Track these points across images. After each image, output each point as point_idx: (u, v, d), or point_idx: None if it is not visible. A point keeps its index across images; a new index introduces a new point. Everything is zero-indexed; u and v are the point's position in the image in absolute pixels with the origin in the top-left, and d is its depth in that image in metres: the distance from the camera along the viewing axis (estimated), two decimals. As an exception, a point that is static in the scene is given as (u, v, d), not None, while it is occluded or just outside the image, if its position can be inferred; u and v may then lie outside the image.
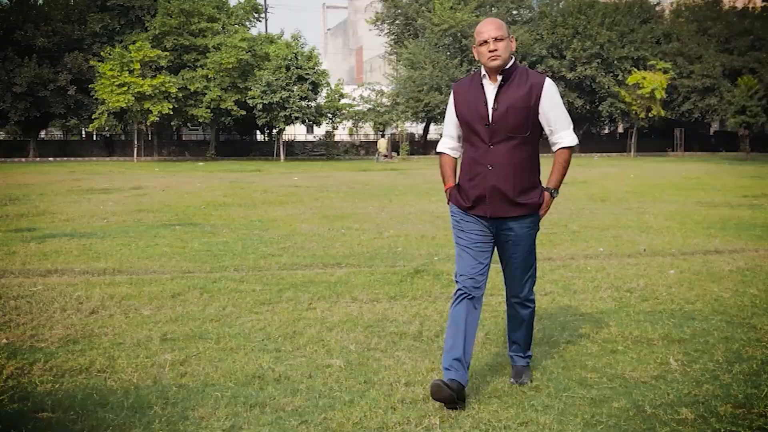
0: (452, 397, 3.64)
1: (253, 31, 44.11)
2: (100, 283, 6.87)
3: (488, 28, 3.89)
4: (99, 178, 25.16)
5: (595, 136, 54.48)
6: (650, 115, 44.08)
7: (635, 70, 44.13)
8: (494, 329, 5.26)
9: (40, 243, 9.50)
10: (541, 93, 3.89)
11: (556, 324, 5.36)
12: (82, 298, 6.21)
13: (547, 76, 4.00)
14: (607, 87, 45.16)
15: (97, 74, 38.13)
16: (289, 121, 39.79)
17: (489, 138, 3.90)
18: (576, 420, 3.60)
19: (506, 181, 3.90)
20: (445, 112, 4.26)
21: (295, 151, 48.43)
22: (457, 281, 4.00)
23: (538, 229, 4.09)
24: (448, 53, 46.49)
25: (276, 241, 9.78)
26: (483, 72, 3.95)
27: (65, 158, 43.97)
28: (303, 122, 40.93)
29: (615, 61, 45.08)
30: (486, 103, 3.91)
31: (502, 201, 3.92)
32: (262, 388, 4.04)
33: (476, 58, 3.97)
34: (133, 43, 38.97)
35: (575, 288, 6.62)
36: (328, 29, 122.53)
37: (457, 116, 4.07)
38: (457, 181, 4.12)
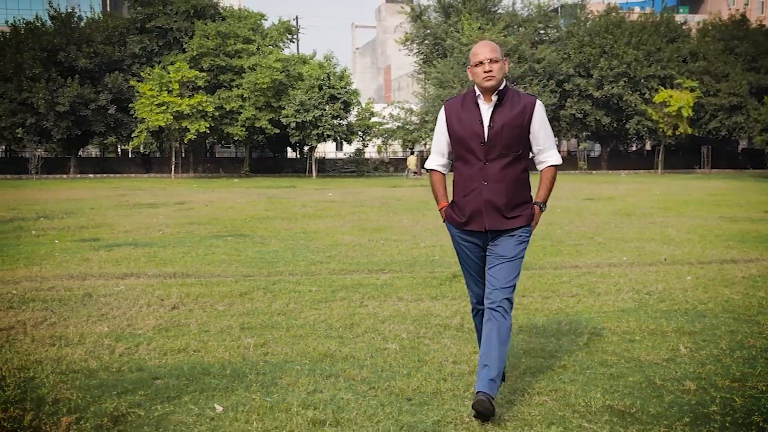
0: (486, 410, 3.79)
1: (286, 52, 45.35)
2: (174, 284, 7.73)
3: (484, 50, 4.06)
4: (142, 193, 26.24)
5: (622, 153, 54.91)
6: (677, 132, 44.53)
7: (662, 88, 44.64)
8: (526, 323, 6.01)
9: (108, 251, 10.41)
10: (533, 113, 4.13)
11: (581, 320, 6.09)
12: (162, 296, 7.07)
13: (536, 97, 4.43)
14: (634, 105, 45.69)
15: (136, 94, 39.50)
16: (322, 138, 40.85)
17: (484, 155, 4.09)
18: (596, 389, 4.35)
19: (500, 195, 4.09)
20: None
21: (326, 168, 49.45)
22: (469, 298, 4.45)
23: (528, 243, 4.22)
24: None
25: (321, 250, 10.60)
26: (477, 92, 4.12)
27: (104, 174, 45.39)
28: (335, 140, 41.95)
29: (642, 80, 45.62)
30: (481, 122, 4.09)
31: (497, 214, 4.10)
32: (333, 364, 4.85)
33: (470, 78, 4.14)
34: (171, 63, 40.34)
35: (599, 291, 7.34)
36: (357, 48, 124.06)
37: (449, 134, 4.23)
38: (450, 198, 4.30)
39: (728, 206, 18.67)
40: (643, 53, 45.46)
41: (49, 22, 42.65)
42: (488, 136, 4.08)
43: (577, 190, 26.90)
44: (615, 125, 48.08)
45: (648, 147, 56.71)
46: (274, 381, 4.49)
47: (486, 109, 4.11)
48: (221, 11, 43.55)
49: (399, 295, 7.16)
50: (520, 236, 4.16)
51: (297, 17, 57.31)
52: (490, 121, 4.09)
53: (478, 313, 4.40)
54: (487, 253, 4.21)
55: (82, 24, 42.79)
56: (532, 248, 10.39)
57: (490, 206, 4.09)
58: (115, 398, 4.15)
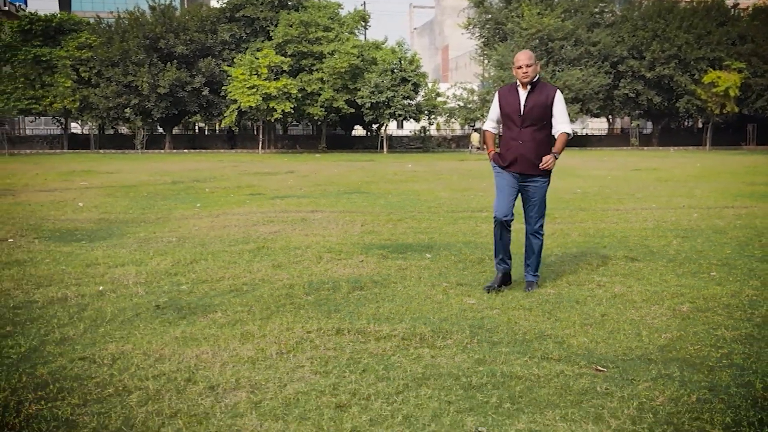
0: (499, 282, 6.33)
1: (360, 37, 49.41)
2: (350, 216, 11.93)
3: (523, 58, 6.03)
4: (249, 165, 30.70)
5: (673, 130, 57.79)
6: (724, 111, 47.46)
7: (711, 69, 47.52)
8: (584, 235, 10.03)
9: (282, 200, 14.71)
10: (554, 98, 6.08)
11: (617, 232, 10.06)
12: (350, 220, 11.26)
13: (558, 88, 7.00)
14: (683, 85, 48.66)
15: (228, 77, 44.08)
16: (393, 117, 44.96)
17: (520, 124, 6.08)
18: (621, 255, 8.33)
19: (530, 150, 6.06)
20: None
21: (393, 144, 53.55)
22: (494, 211, 6.24)
23: (549, 184, 6.21)
24: (535, 55, 50.63)
25: (429, 201, 14.65)
26: (518, 84, 6.12)
27: (194, 150, 50.36)
28: (405, 119, 45.98)
29: (692, 62, 48.53)
30: (520, 102, 6.07)
31: (527, 163, 6.08)
32: (476, 246, 8.93)
33: (514, 75, 6.13)
34: (258, 50, 44.81)
35: (631, 220, 11.29)
36: (415, 28, 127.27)
37: (500, 109, 6.21)
38: (497, 150, 6.30)
39: (755, 175, 22.18)
40: (693, 36, 48.32)
41: (148, 12, 47.44)
42: (523, 112, 6.07)
43: (627, 163, 30.51)
44: (666, 104, 51.08)
45: (699, 125, 59.38)
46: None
47: (523, 95, 6.09)
48: (302, 1, 47.80)
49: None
50: (543, 183, 6.18)
51: (365, 2, 61.26)
52: (525, 102, 6.07)
53: (498, 227, 6.26)
54: (522, 195, 6.24)
55: (177, 14, 47.43)
56: (590, 197, 14.43)
57: (523, 157, 6.10)
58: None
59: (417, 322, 5.32)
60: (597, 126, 67.43)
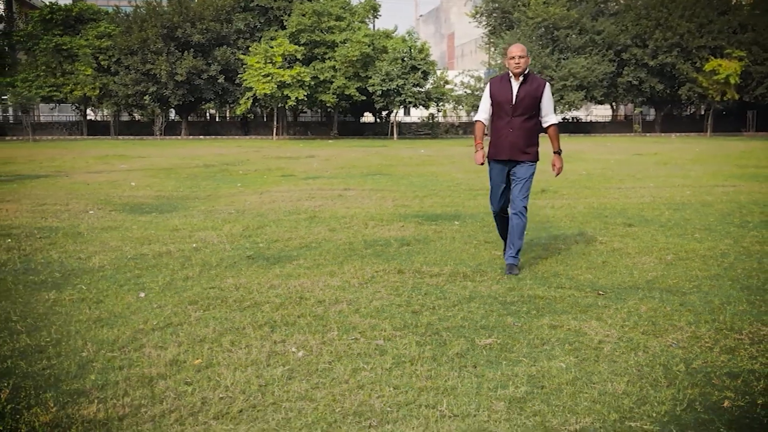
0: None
1: (370, 26, 50.78)
2: (380, 194, 13.44)
3: (516, 50, 6.30)
4: (270, 150, 32.19)
5: (676, 117, 59.09)
6: (725, 98, 48.82)
7: (712, 57, 48.82)
8: (587, 207, 11.53)
9: (314, 180, 16.21)
10: (543, 90, 6.34)
11: (617, 205, 11.56)
12: (381, 197, 12.77)
13: (546, 80, 6.62)
14: (685, 73, 49.95)
15: (243, 66, 45.52)
16: (403, 104, 46.40)
17: (511, 113, 6.32)
18: (619, 223, 9.83)
19: (519, 138, 6.32)
20: None
21: (402, 131, 54.98)
22: (491, 207, 6.78)
23: (535, 171, 6.48)
24: (541, 43, 52.04)
25: (447, 181, 16.12)
26: (510, 75, 6.36)
27: (209, 136, 51.85)
28: (415, 106, 47.41)
29: (694, 50, 49.81)
30: (511, 92, 6.31)
31: (516, 150, 6.34)
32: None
33: (506, 66, 6.38)
34: (272, 39, 46.22)
35: (630, 196, 12.78)
36: (420, 16, 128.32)
37: (491, 98, 6.42)
38: (488, 140, 6.55)
39: (748, 159, 23.63)
40: (695, 25, 49.58)
41: (165, 1, 48.87)
42: (515, 102, 6.32)
43: (630, 148, 31.95)
44: (668, 92, 52.40)
45: (702, 112, 60.69)
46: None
47: (515, 85, 6.34)
48: (315, -9, 49.29)
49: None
50: (530, 166, 6.44)
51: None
52: (517, 92, 6.32)
53: (497, 217, 6.87)
54: (510, 177, 6.48)
55: (193, 3, 48.82)
56: (594, 177, 15.93)
57: (514, 144, 6.35)
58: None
59: (458, 266, 6.85)
60: (601, 113, 68.77)
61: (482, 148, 6.57)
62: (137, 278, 6.51)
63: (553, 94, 44.93)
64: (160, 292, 5.95)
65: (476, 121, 6.66)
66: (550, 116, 6.47)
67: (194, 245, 8.12)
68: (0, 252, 7.70)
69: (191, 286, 6.14)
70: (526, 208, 6.47)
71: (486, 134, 6.67)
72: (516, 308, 5.38)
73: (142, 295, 5.85)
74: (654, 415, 3.52)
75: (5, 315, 5.29)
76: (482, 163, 6.57)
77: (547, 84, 6.49)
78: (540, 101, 6.38)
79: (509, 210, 6.58)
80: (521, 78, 6.34)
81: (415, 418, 3.49)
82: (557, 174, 6.63)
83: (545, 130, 6.59)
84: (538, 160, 6.53)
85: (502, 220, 6.81)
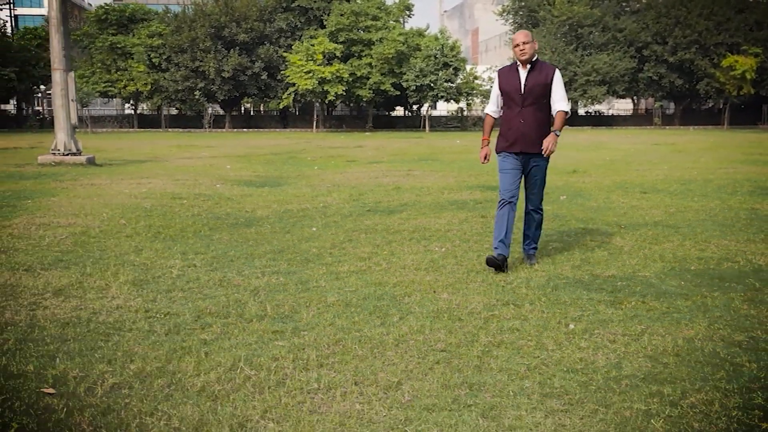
0: (498, 264, 6.14)
1: (405, 25, 53.77)
2: (444, 173, 16.38)
3: (520, 36, 6.12)
4: (316, 141, 35.22)
5: (694, 111, 61.55)
6: (741, 93, 51.33)
7: (729, 54, 51.32)
8: (598, 184, 14.43)
9: (377, 164, 19.17)
10: (553, 77, 6.14)
11: (635, 181, 14.43)
12: (447, 176, 15.71)
13: (557, 67, 6.79)
14: (703, 69, 52.50)
15: (286, 63, 48.65)
16: (436, 99, 49.35)
17: (521, 103, 6.12)
18: (631, 196, 12.72)
19: (531, 129, 6.12)
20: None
21: (433, 123, 57.89)
22: (500, 194, 6.28)
23: (548, 163, 6.35)
24: (565, 40, 54.71)
25: (493, 164, 19.02)
26: (518, 63, 6.17)
27: (251, 129, 55.12)
28: (447, 100, 50.36)
29: (711, 47, 52.32)
30: (520, 81, 6.12)
31: (529, 142, 6.13)
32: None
33: (513, 53, 6.22)
34: (312, 37, 49.32)
35: (647, 176, 15.62)
36: (445, 11, 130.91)
37: (500, 89, 6.25)
38: (498, 132, 6.34)
39: (755, 148, 26.31)
40: (713, 23, 52.07)
41: (211, 2, 52.12)
42: (524, 90, 6.11)
43: (649, 139, 34.69)
44: (687, 86, 54.94)
45: (720, 105, 63.11)
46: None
47: (523, 73, 6.14)
48: (352, -8, 52.39)
49: (552, 175, 15.61)
50: (544, 163, 6.30)
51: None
52: (526, 80, 6.11)
53: (504, 206, 6.26)
54: (525, 176, 6.33)
55: (237, 3, 52.01)
56: (617, 162, 18.82)
57: (525, 136, 6.16)
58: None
59: (519, 211, 9.81)
60: (623, 107, 71.31)
61: (487, 145, 6.39)
62: (300, 222, 9.47)
63: (576, 89, 47.92)
64: (325, 228, 8.91)
65: (485, 114, 6.56)
66: (560, 102, 6.21)
67: (321, 205, 11.10)
68: (193, 209, 10.74)
69: (343, 224, 9.11)
70: (542, 204, 6.58)
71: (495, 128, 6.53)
72: (566, 228, 8.33)
73: (314, 229, 8.83)
74: (648, 275, 6.44)
75: (243, 235, 8.32)
76: (485, 162, 6.47)
77: (557, 70, 6.27)
78: (550, 89, 6.18)
79: (527, 206, 6.52)
80: (529, 66, 6.17)
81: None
82: (545, 153, 6.13)
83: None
84: (546, 143, 6.20)
85: (510, 210, 6.27)
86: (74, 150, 18.34)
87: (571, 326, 4.74)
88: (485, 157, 6.46)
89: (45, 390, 3.67)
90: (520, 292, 5.59)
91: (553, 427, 3.28)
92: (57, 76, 17.82)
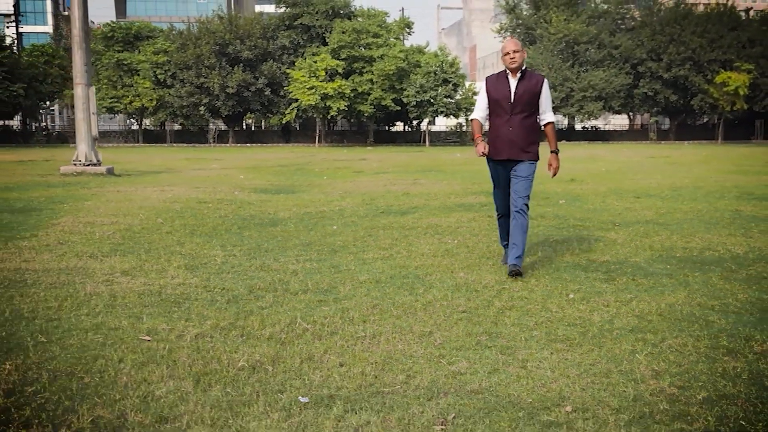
0: (518, 272, 6.18)
1: (404, 43, 54.90)
2: (452, 180, 17.25)
3: (510, 45, 6.16)
4: (320, 155, 36.12)
5: (689, 126, 62.64)
6: (734, 108, 52.43)
7: (722, 70, 52.46)
8: (598, 189, 15.30)
9: (383, 174, 20.04)
10: (542, 86, 6.20)
11: (629, 188, 15.30)
12: (452, 184, 16.58)
13: (545, 77, 6.49)
14: (697, 85, 53.62)
15: (289, 79, 49.67)
16: (435, 114, 50.36)
17: (510, 111, 6.18)
18: (630, 196, 13.60)
19: (519, 137, 6.19)
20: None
21: (432, 138, 58.87)
22: (496, 209, 6.72)
23: (534, 170, 6.32)
24: (562, 57, 55.83)
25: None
26: (507, 71, 6.20)
27: (254, 143, 56.04)
28: (446, 115, 51.38)
29: (705, 63, 53.48)
30: (509, 90, 6.16)
31: (516, 149, 6.20)
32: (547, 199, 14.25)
33: (503, 63, 6.25)
34: (314, 54, 50.38)
35: (639, 183, 16.50)
36: (443, 29, 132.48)
37: (488, 96, 6.30)
38: (485, 140, 6.30)
39: (745, 160, 27.24)
40: (706, 40, 53.25)
41: (216, 20, 53.21)
42: (514, 99, 6.17)
43: (644, 152, 35.65)
44: (681, 102, 56.06)
45: (715, 121, 64.22)
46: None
47: (513, 82, 6.19)
48: (353, 11, 53.38)
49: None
50: (531, 164, 6.28)
51: (402, 8, 66.74)
52: (515, 89, 6.16)
53: (500, 218, 6.74)
54: (510, 176, 6.32)
55: (241, 21, 53.11)
56: (612, 172, 19.69)
57: (513, 143, 6.22)
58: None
59: (525, 214, 10.67)
60: (618, 122, 72.43)
61: (482, 141, 6.29)
62: (320, 222, 10.31)
63: (573, 105, 48.99)
64: (345, 226, 9.75)
65: (472, 119, 6.54)
66: (547, 114, 6.33)
67: (337, 208, 11.94)
68: (219, 211, 11.59)
69: (361, 223, 9.96)
70: (527, 206, 6.29)
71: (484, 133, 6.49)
72: (566, 225, 9.18)
73: (335, 227, 9.67)
74: (639, 260, 7.28)
75: (271, 233, 9.16)
76: (483, 154, 6.26)
77: (546, 80, 6.33)
78: (539, 97, 6.25)
79: (511, 208, 6.36)
80: (518, 74, 6.21)
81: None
82: (553, 174, 6.45)
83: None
84: (538, 159, 6.35)
85: (504, 220, 6.65)
86: (95, 161, 19.20)
87: (571, 295, 5.59)
88: (484, 150, 6.23)
89: (142, 337, 4.51)
90: (526, 272, 6.43)
91: (557, 360, 4.12)
92: (79, 90, 18.71)
